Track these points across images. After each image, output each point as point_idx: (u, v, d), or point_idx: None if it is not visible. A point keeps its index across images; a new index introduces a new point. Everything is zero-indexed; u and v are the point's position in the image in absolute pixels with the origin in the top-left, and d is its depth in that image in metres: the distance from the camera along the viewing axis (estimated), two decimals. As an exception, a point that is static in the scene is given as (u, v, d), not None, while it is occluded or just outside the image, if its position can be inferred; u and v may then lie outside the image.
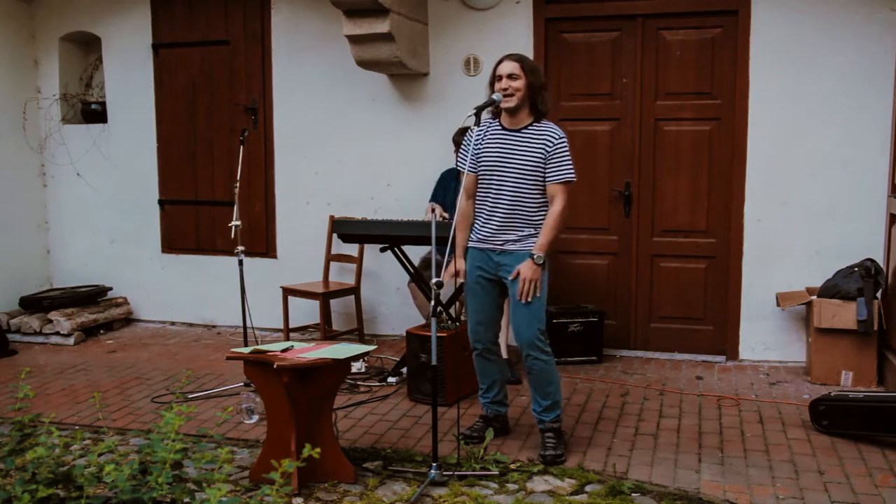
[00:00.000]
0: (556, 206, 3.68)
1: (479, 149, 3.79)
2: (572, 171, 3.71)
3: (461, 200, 3.84)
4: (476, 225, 3.87)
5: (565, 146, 3.70)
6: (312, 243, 6.09)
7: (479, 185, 3.84)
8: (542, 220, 3.72)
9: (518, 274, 3.67)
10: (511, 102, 3.69)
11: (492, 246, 3.79)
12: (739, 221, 5.33)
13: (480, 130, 3.77)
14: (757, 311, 5.33)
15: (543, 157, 3.68)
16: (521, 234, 3.73)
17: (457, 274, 3.88)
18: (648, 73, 5.43)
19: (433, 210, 4.99)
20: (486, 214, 3.80)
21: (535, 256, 3.66)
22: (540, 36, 5.53)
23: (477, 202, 3.88)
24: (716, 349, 5.48)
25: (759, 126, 5.23)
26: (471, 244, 3.88)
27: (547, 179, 3.70)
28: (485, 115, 3.74)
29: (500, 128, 3.80)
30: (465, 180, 3.78)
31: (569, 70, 5.58)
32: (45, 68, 6.65)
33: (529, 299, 3.67)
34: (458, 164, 3.94)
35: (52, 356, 5.73)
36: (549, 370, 3.77)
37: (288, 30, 6.04)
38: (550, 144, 3.68)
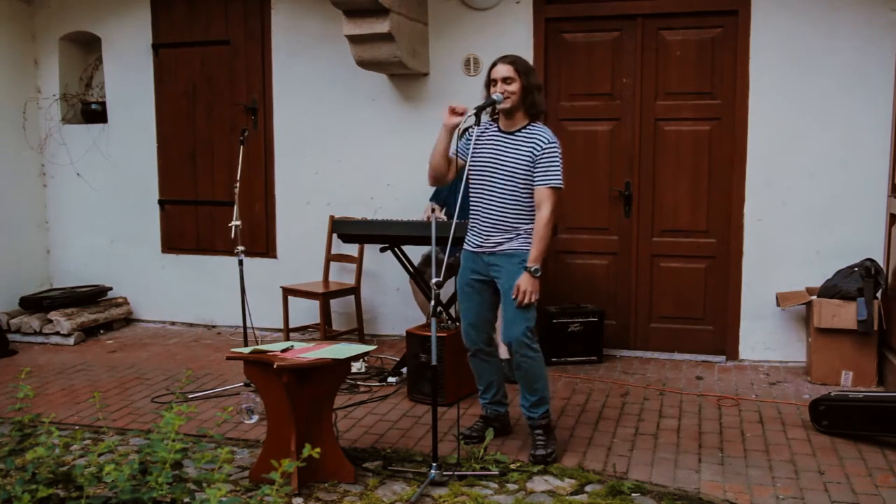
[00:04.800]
0: (543, 214, 3.64)
1: (475, 148, 3.79)
2: (560, 177, 3.67)
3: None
4: (469, 228, 3.88)
5: (555, 151, 3.67)
6: (312, 243, 6.09)
7: (472, 187, 3.84)
8: (533, 223, 3.71)
9: (518, 287, 3.64)
10: (506, 105, 3.69)
11: (483, 249, 3.80)
12: (739, 221, 5.33)
13: (479, 129, 3.76)
14: (757, 311, 5.33)
15: (532, 160, 3.67)
16: (511, 236, 3.74)
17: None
18: (648, 73, 5.43)
19: (432, 210, 4.99)
20: (480, 217, 3.81)
21: (532, 269, 3.64)
22: (540, 36, 5.53)
23: (470, 205, 3.89)
24: (716, 349, 5.48)
25: (759, 126, 5.23)
26: (464, 247, 3.90)
27: (534, 183, 3.69)
28: (484, 117, 3.74)
29: (496, 130, 3.80)
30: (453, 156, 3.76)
31: (569, 70, 5.58)
32: (45, 68, 6.65)
33: (525, 303, 3.67)
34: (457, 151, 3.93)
35: (52, 356, 5.73)
36: (537, 367, 3.77)
37: (288, 30, 6.04)
38: (539, 148, 3.67)
